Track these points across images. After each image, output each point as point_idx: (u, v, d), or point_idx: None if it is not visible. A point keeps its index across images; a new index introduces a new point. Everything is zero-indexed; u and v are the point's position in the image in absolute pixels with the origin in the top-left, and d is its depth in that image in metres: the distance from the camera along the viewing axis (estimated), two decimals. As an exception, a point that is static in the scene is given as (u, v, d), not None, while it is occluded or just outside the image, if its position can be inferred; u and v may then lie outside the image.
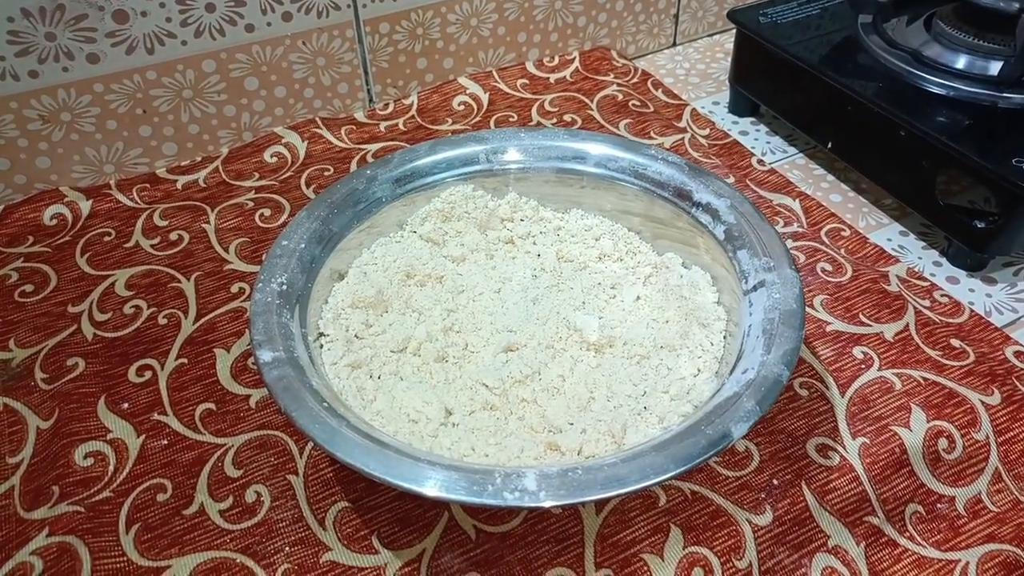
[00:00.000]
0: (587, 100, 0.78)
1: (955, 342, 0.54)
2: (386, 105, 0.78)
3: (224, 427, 0.49)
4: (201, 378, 0.52)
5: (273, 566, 0.43)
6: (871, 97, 0.62)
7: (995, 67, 0.61)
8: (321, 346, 0.47)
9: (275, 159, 0.70)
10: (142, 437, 0.49)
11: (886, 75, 0.64)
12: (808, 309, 0.55)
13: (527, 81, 0.81)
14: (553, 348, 0.48)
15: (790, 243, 0.61)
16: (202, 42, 0.66)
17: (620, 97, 0.78)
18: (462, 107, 0.77)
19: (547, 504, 0.35)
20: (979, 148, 0.56)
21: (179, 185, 0.68)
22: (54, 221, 0.64)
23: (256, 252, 0.61)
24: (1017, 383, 0.51)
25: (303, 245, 0.49)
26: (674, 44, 0.91)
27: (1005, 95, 0.59)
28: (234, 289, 0.58)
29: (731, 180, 0.67)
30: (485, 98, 0.78)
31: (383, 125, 0.75)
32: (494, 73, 0.81)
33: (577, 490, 0.35)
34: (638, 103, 0.78)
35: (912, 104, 0.60)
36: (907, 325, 0.55)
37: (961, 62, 0.62)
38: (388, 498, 0.45)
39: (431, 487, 0.36)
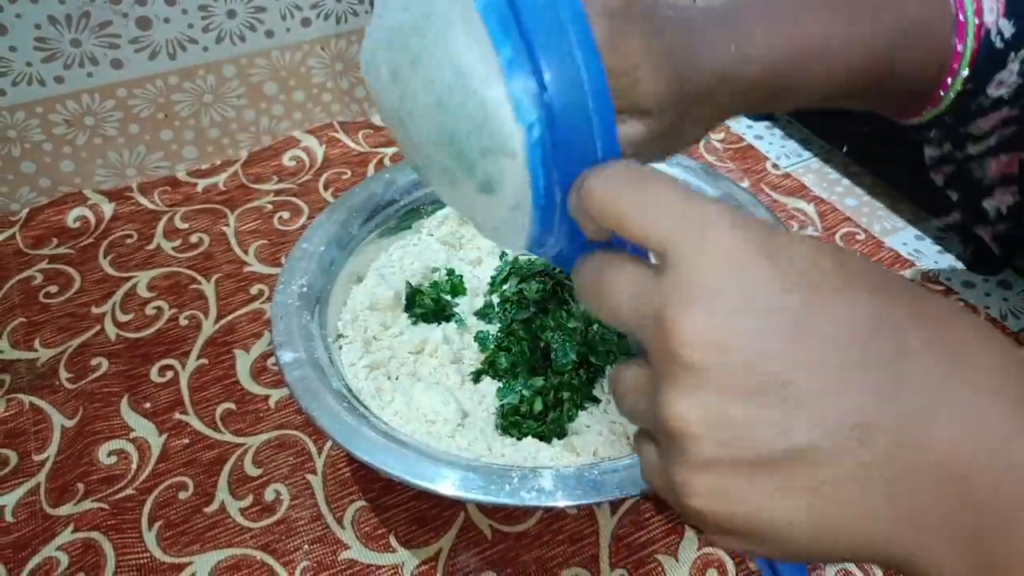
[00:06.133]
0: (602, 104, 0.78)
1: (970, 346, 0.54)
2: (403, 109, 0.78)
3: (244, 427, 0.50)
4: (221, 378, 0.53)
5: (292, 564, 0.43)
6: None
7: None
8: (340, 347, 0.48)
9: (294, 162, 0.71)
10: (164, 436, 0.50)
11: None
12: (823, 313, 0.55)
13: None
14: (568, 350, 0.49)
15: (805, 247, 0.61)
16: (223, 48, 0.67)
17: (635, 101, 0.79)
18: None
19: (563, 504, 0.36)
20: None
21: (199, 188, 0.69)
22: (78, 223, 0.66)
23: (275, 254, 0.62)
24: (1033, 388, 0.50)
25: (323, 248, 0.50)
26: (689, 48, 0.92)
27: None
28: (253, 291, 0.59)
29: (746, 184, 0.68)
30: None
31: (400, 129, 0.76)
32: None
33: (593, 490, 0.36)
34: (653, 107, 0.78)
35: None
36: (922, 329, 0.55)
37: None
38: (405, 497, 0.46)
39: (449, 486, 0.36)
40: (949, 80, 0.39)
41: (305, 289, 0.47)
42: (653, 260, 0.23)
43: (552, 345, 0.46)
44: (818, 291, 0.20)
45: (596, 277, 0.24)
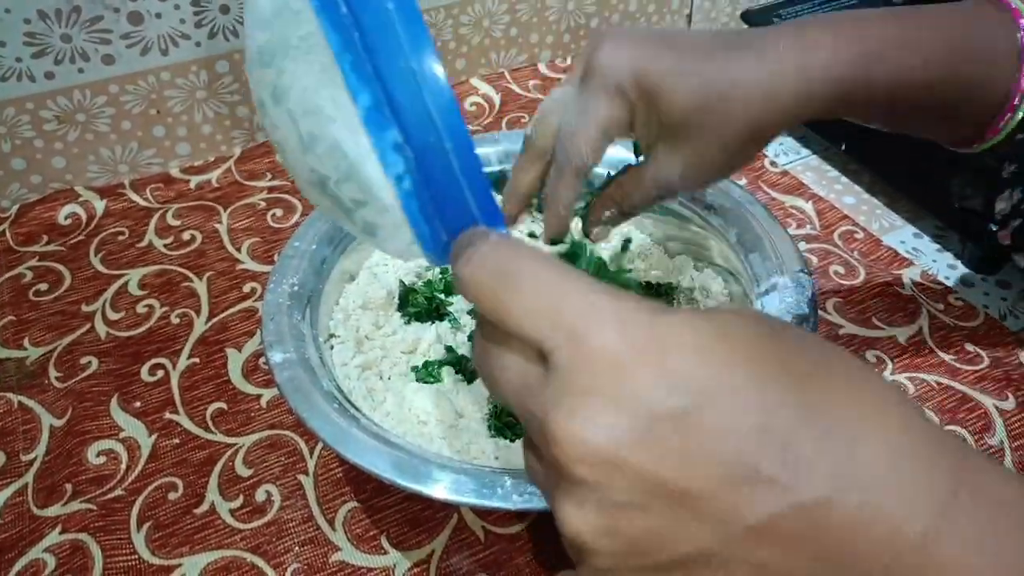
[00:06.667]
0: (599, 101, 0.77)
1: (969, 346, 0.53)
2: (398, 106, 0.78)
3: (235, 426, 0.49)
4: (213, 378, 0.52)
5: (283, 566, 0.43)
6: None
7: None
8: (331, 347, 0.47)
9: (287, 159, 0.71)
10: (154, 436, 0.49)
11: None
12: (820, 312, 0.55)
13: (539, 82, 0.81)
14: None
15: (803, 246, 0.61)
16: (216, 43, 0.66)
17: (632, 98, 0.78)
18: (474, 108, 0.77)
19: (556, 507, 0.35)
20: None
21: (192, 185, 0.68)
22: (68, 220, 0.65)
23: (268, 252, 0.62)
24: (1032, 388, 0.50)
25: (314, 246, 0.49)
26: (687, 45, 0.91)
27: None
28: (246, 289, 0.59)
29: (743, 182, 0.67)
30: (497, 99, 0.78)
31: (395, 126, 0.75)
32: (506, 74, 0.81)
33: (586, 493, 0.35)
34: (650, 104, 0.77)
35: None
36: (921, 329, 0.54)
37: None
38: (398, 499, 0.45)
39: (440, 489, 0.36)
40: (1016, 100, 0.38)
41: (296, 288, 0.46)
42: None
43: None
44: (702, 397, 0.19)
45: (484, 361, 0.23)
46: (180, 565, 0.43)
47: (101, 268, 0.61)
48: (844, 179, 0.69)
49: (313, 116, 0.22)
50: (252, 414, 0.50)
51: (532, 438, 0.22)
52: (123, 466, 0.47)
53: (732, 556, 0.20)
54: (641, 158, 0.39)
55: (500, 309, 0.21)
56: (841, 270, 0.59)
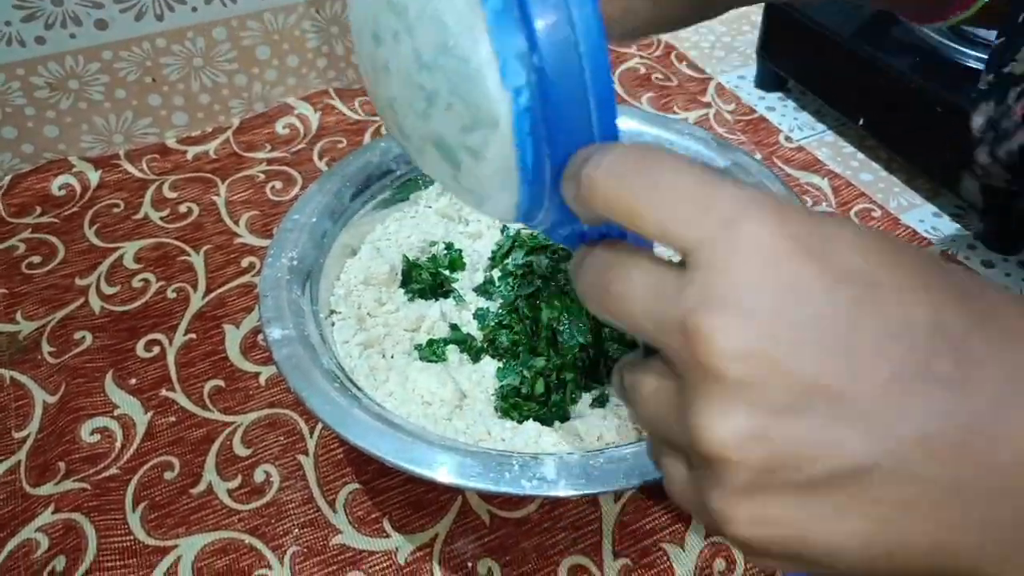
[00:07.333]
0: (608, 73, 0.75)
1: (990, 328, 0.52)
2: (401, 76, 0.75)
3: (233, 404, 0.48)
4: (210, 354, 0.51)
5: (282, 548, 0.42)
6: (906, 71, 0.59)
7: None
8: (332, 324, 0.46)
9: (287, 130, 0.69)
10: (150, 413, 0.48)
11: (922, 49, 0.61)
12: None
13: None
14: (572, 329, 0.47)
15: (818, 223, 0.59)
16: (213, 8, 0.64)
17: (643, 70, 0.76)
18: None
19: (566, 493, 0.34)
20: (1021, 126, 0.53)
21: (189, 156, 0.66)
22: (62, 191, 0.63)
23: (267, 226, 0.60)
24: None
25: (315, 219, 0.47)
26: (698, 16, 0.88)
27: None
28: (244, 263, 0.57)
29: (759, 157, 0.65)
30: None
31: (398, 97, 0.73)
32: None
33: (598, 480, 0.34)
34: (661, 76, 0.75)
35: (949, 79, 0.58)
36: (940, 310, 0.53)
37: (1003, 35, 0.59)
38: (400, 480, 0.44)
39: (445, 473, 0.34)
40: None
41: (296, 262, 0.45)
42: (661, 251, 0.20)
43: (559, 328, 0.43)
44: (869, 291, 0.18)
45: (602, 278, 0.21)
46: (176, 546, 0.42)
47: (96, 241, 0.59)
48: (861, 155, 0.67)
49: (432, 23, 0.21)
50: (251, 392, 0.49)
51: (665, 352, 0.20)
52: (118, 444, 0.46)
53: (895, 469, 0.18)
54: None
55: (639, 207, 0.19)
56: (858, 249, 0.57)
